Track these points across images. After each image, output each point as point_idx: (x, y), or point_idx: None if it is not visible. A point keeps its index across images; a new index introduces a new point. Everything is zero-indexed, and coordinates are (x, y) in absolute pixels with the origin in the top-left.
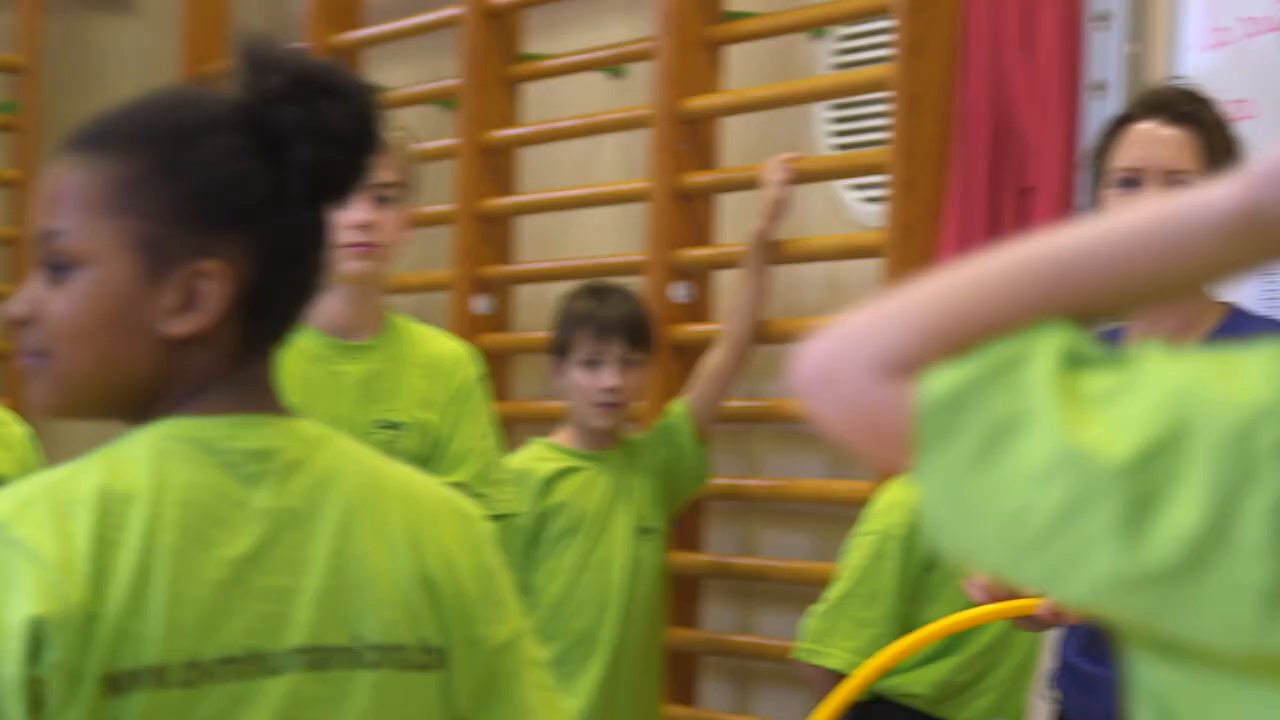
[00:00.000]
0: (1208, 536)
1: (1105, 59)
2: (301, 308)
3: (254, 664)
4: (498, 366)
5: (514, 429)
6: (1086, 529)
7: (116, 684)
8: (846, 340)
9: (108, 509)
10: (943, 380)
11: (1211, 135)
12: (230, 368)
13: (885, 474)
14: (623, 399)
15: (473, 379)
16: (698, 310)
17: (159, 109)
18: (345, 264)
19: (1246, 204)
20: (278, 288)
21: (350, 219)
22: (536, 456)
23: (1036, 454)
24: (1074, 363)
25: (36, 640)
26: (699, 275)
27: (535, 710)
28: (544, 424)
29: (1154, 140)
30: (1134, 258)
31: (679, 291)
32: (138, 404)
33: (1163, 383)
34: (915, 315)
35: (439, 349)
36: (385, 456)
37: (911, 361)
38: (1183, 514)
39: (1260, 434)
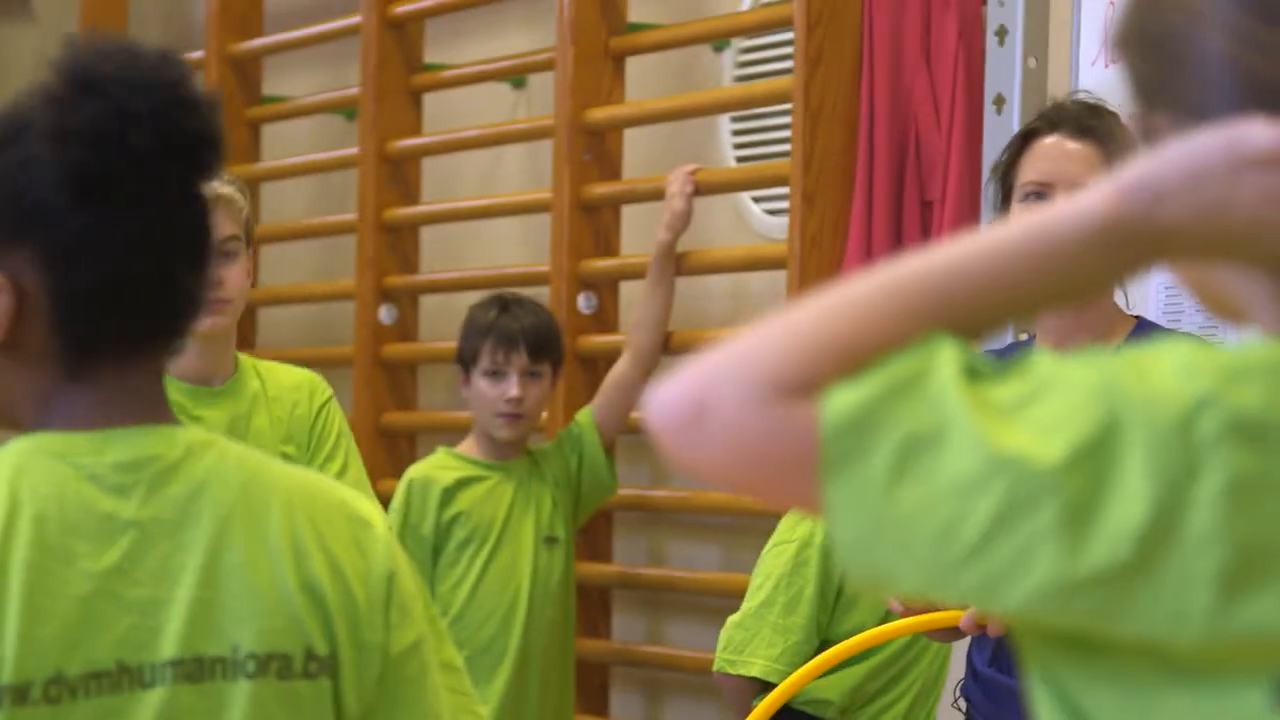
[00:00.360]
0: (1154, 530)
1: (1005, 73)
2: (144, 309)
3: (125, 677)
4: (403, 376)
5: (420, 438)
6: (1025, 535)
7: None
8: (722, 370)
9: None
10: (843, 400)
11: (1116, 149)
12: (75, 379)
13: None
14: (526, 409)
15: (322, 404)
16: (602, 321)
17: None
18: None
19: (1112, 215)
20: (85, 293)
21: None
22: (439, 465)
23: (961, 465)
24: (971, 375)
25: None
26: (603, 286)
27: (442, 715)
28: (450, 433)
29: (1060, 155)
30: (1007, 271)
31: (583, 302)
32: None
33: (1077, 385)
34: (800, 336)
35: (288, 380)
36: (278, 461)
37: (801, 383)
38: (1126, 510)
39: (1199, 424)
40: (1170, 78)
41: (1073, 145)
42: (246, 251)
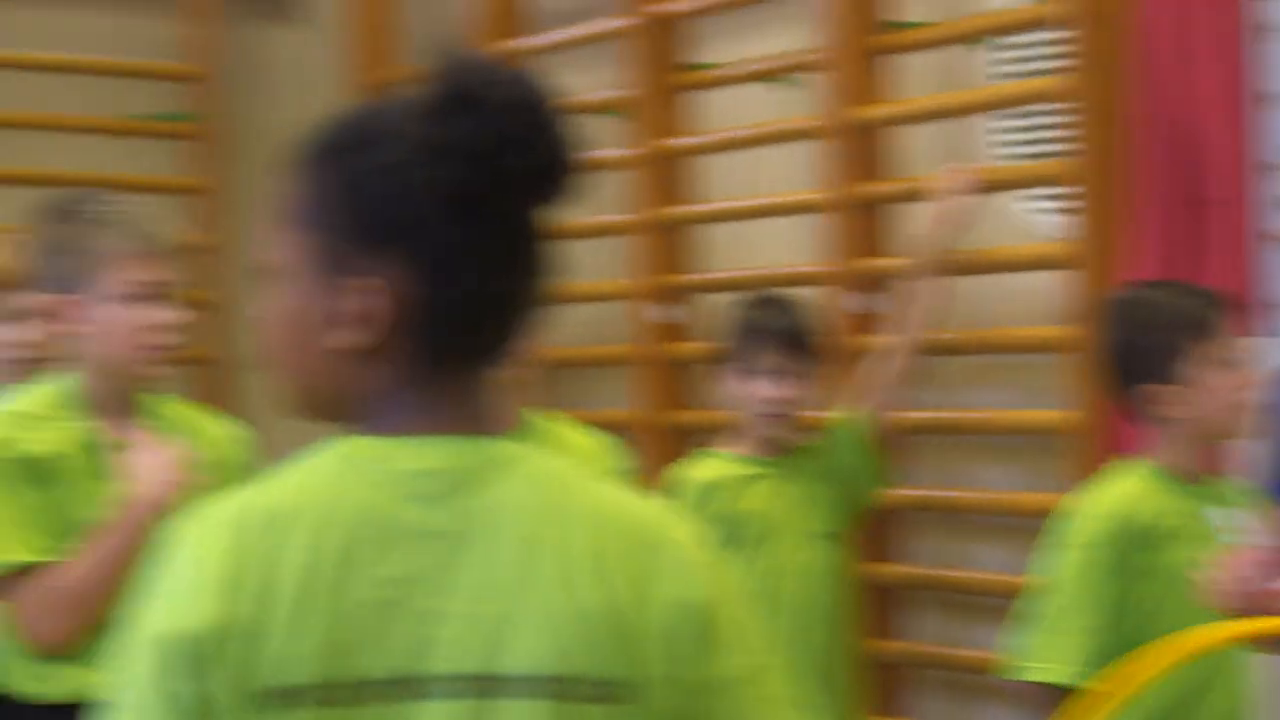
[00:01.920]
0: None
1: (1276, 69)
2: (494, 324)
3: (401, 688)
4: (677, 375)
5: (694, 437)
6: None
7: (272, 700)
8: None
9: (252, 525)
10: None
11: None
12: (412, 384)
13: (1078, 484)
14: (788, 409)
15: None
16: (872, 320)
17: (346, 122)
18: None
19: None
20: (445, 303)
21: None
22: (709, 465)
23: None
24: None
25: (195, 656)
26: (873, 286)
27: None
28: (725, 433)
29: None
30: None
31: (854, 301)
32: (338, 414)
33: None
34: None
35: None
36: (592, 479)
37: None
38: None
39: None
40: None
41: None
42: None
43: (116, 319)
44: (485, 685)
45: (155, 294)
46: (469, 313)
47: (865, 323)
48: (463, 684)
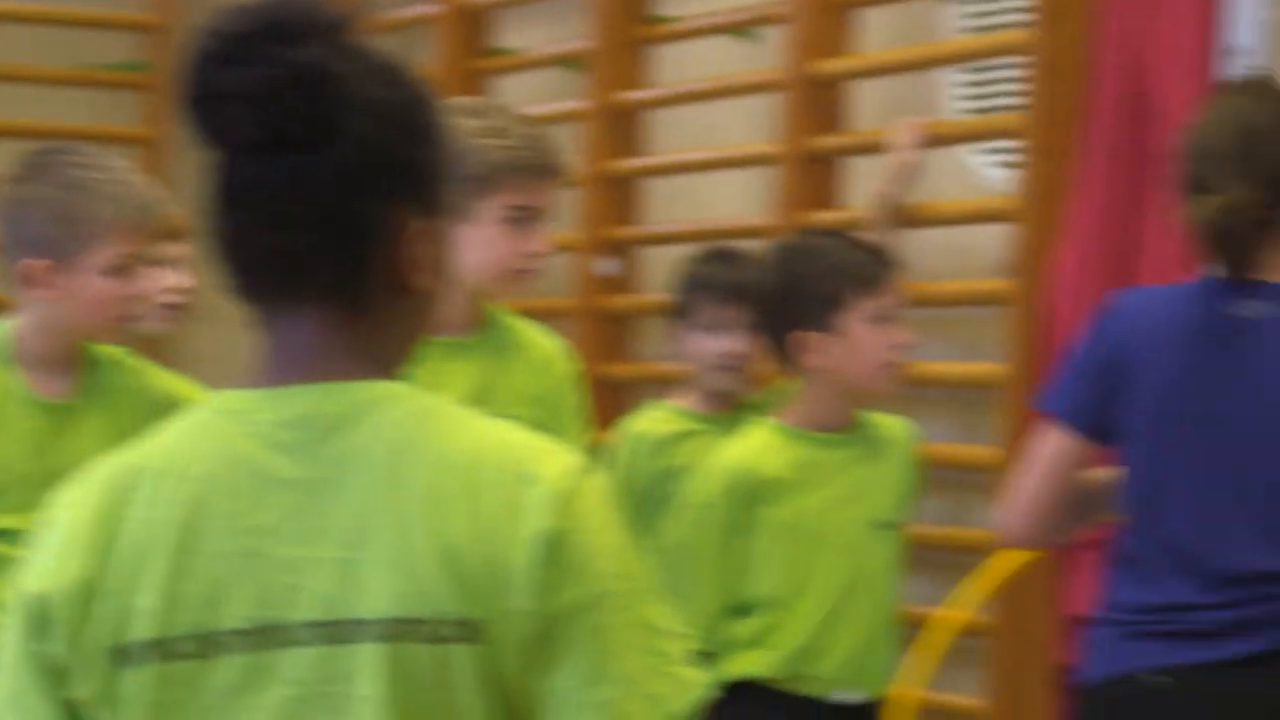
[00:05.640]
0: None
1: (1242, 21)
2: (279, 266)
3: (267, 635)
4: (622, 328)
5: (638, 390)
6: None
7: (123, 656)
8: None
9: (119, 484)
10: None
11: None
12: (265, 334)
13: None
14: (737, 363)
15: (575, 376)
16: None
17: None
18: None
19: None
20: (225, 247)
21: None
22: (656, 419)
23: None
24: None
25: (50, 618)
26: None
27: (625, 677)
28: (668, 386)
29: None
30: None
31: None
32: None
33: None
34: None
35: (542, 342)
36: (460, 417)
37: None
38: None
39: None
40: None
41: None
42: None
43: (101, 291)
44: (340, 630)
45: (143, 263)
46: (243, 255)
47: None
48: (321, 630)
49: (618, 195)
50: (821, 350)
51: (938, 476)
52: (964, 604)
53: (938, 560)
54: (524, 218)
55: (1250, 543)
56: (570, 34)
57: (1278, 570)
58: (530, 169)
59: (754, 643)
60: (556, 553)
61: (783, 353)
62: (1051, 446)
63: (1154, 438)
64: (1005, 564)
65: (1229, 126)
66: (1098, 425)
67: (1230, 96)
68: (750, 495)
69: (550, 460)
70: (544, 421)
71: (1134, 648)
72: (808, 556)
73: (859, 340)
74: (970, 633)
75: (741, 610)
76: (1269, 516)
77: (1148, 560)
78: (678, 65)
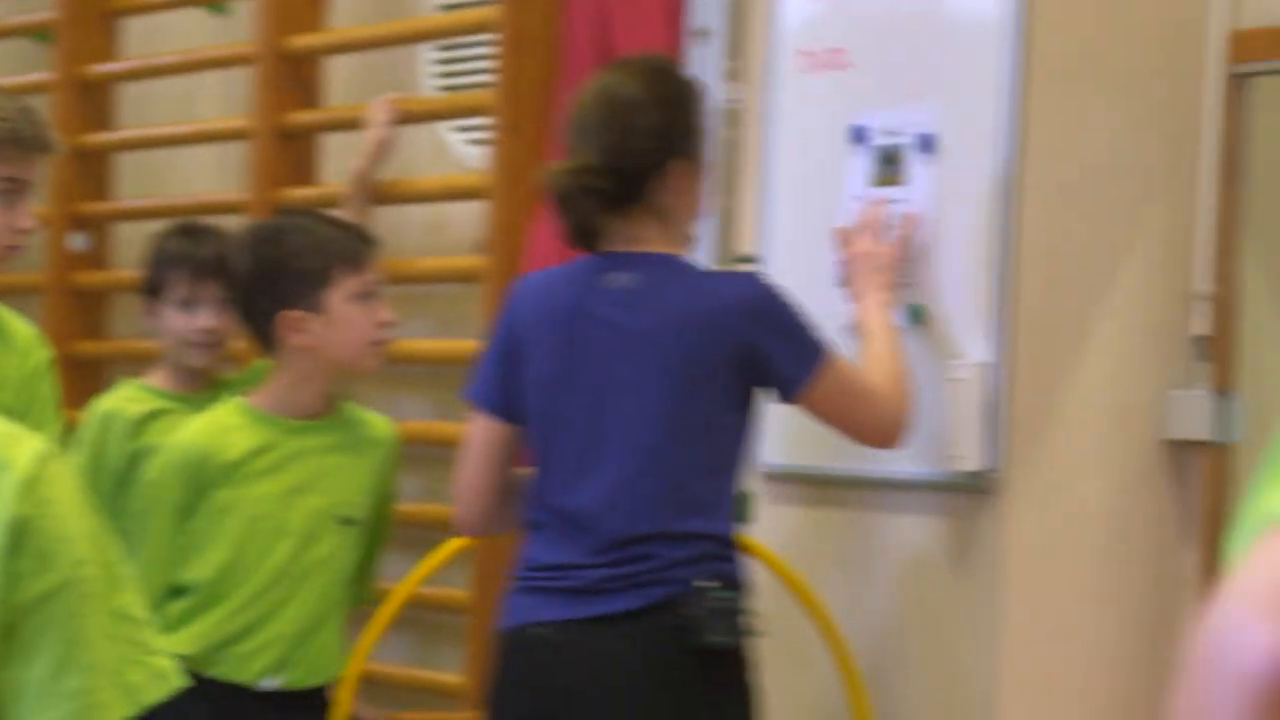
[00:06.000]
0: None
1: (708, 5)
2: None
3: None
4: (94, 305)
5: (110, 368)
6: None
7: None
8: None
9: None
10: None
11: None
12: None
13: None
14: (208, 339)
15: (50, 362)
16: None
17: None
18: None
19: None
20: None
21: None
22: (127, 398)
23: None
24: None
25: None
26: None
27: (94, 665)
28: (142, 364)
29: None
30: None
31: None
32: None
33: None
34: None
35: (22, 329)
36: None
37: None
38: None
39: None
40: None
41: None
42: None
43: None
44: None
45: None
46: None
47: None
48: None
49: (88, 169)
50: (305, 329)
51: (413, 453)
52: (407, 581)
53: (412, 537)
54: (11, 190)
55: (629, 505)
56: (38, 4)
57: (652, 532)
58: (18, 142)
59: (179, 624)
60: (24, 540)
61: (261, 332)
62: (479, 435)
63: (539, 411)
64: (451, 544)
65: (598, 100)
66: (508, 407)
67: (608, 73)
68: (202, 476)
69: (17, 446)
70: (22, 409)
71: (528, 601)
72: (256, 542)
73: (344, 318)
74: (451, 610)
75: (180, 592)
76: (643, 480)
77: (545, 524)
78: (149, 38)
